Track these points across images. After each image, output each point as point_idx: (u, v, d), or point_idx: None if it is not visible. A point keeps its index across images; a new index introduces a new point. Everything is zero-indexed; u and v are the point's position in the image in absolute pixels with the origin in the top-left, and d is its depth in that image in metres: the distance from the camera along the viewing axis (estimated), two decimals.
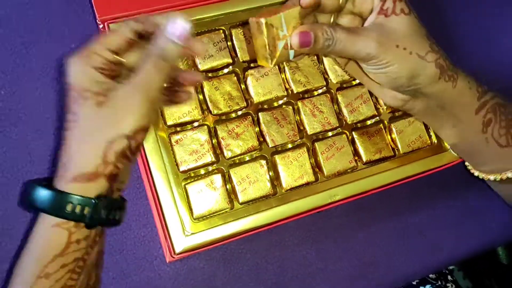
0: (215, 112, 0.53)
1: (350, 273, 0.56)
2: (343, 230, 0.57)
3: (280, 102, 0.56)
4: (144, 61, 0.38)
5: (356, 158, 0.56)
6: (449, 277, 0.75)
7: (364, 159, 0.56)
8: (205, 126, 0.52)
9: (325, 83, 0.57)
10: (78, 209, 0.37)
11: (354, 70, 0.52)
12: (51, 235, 0.37)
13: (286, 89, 0.55)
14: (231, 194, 0.52)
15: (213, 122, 0.53)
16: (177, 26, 0.38)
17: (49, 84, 0.53)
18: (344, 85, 0.58)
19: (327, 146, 0.55)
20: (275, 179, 0.53)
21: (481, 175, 0.55)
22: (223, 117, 0.54)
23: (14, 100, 0.52)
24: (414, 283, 0.65)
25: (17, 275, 0.38)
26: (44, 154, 0.52)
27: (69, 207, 0.36)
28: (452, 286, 0.73)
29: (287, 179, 0.53)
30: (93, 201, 0.37)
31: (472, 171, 0.56)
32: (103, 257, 0.42)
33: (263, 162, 0.53)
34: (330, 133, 0.56)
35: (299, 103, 0.55)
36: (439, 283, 0.72)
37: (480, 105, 0.48)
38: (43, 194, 0.37)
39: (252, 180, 0.52)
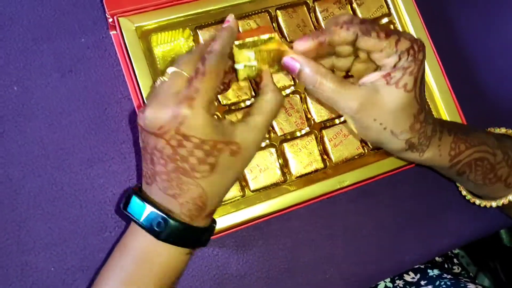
0: (224, 102, 0.54)
1: (359, 257, 0.58)
2: (351, 215, 0.59)
3: (287, 91, 0.57)
4: (263, 105, 0.43)
5: (363, 144, 0.57)
6: (455, 260, 0.76)
7: (371, 146, 0.57)
8: (215, 117, 0.53)
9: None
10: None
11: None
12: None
13: (293, 78, 0.56)
14: (242, 182, 0.53)
15: (222, 112, 0.54)
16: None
17: (61, 79, 0.54)
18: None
19: (335, 133, 0.56)
20: (284, 167, 0.55)
21: (468, 196, 0.57)
22: (232, 107, 0.55)
23: (27, 95, 0.53)
24: (423, 266, 0.66)
25: None
26: (58, 148, 0.53)
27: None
28: (458, 268, 0.75)
29: (297, 166, 0.54)
30: (214, 225, 0.45)
31: (460, 189, 0.58)
32: None
33: (273, 150, 0.54)
34: (337, 121, 0.57)
35: (306, 92, 0.56)
36: (446, 266, 0.73)
37: (452, 164, 0.48)
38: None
39: (262, 168, 0.53)
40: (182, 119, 0.38)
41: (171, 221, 0.40)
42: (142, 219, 0.40)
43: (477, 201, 0.55)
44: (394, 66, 0.42)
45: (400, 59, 0.42)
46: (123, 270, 0.41)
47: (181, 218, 0.41)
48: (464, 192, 0.57)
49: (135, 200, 0.41)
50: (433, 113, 0.58)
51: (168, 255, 0.41)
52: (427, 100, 0.58)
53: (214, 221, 0.46)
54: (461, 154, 0.48)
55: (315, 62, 0.43)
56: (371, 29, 0.42)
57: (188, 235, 0.41)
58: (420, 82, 0.42)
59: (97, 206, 0.52)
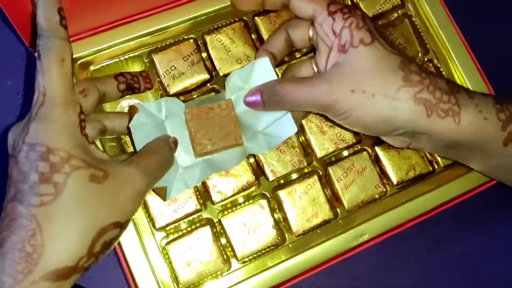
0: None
1: None
2: (378, 271, 0.47)
3: None
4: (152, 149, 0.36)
5: (384, 180, 0.44)
6: None
7: (395, 181, 0.44)
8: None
9: None
10: None
11: None
12: None
13: None
14: (227, 250, 0.41)
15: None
16: None
17: None
18: None
19: (345, 170, 0.43)
20: (281, 223, 0.42)
21: None
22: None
23: None
24: None
25: None
26: None
27: None
28: None
29: (297, 220, 0.42)
30: None
31: None
32: None
33: (264, 202, 0.41)
34: (346, 152, 0.44)
35: (303, 120, 0.44)
36: None
37: (509, 133, 0.38)
38: None
39: (251, 228, 0.41)
40: (28, 126, 0.30)
41: None
42: None
43: None
44: (333, 32, 0.37)
45: (334, 20, 0.37)
46: None
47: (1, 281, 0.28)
48: None
49: None
50: None
51: None
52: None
53: None
54: None
55: (269, 82, 0.40)
56: None
57: None
58: (379, 33, 0.37)
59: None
